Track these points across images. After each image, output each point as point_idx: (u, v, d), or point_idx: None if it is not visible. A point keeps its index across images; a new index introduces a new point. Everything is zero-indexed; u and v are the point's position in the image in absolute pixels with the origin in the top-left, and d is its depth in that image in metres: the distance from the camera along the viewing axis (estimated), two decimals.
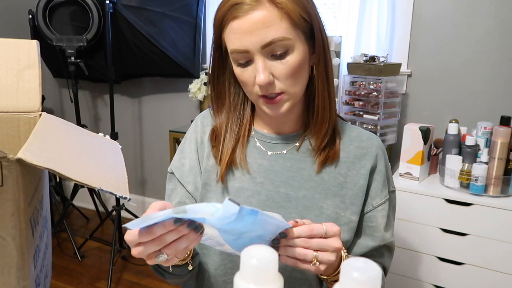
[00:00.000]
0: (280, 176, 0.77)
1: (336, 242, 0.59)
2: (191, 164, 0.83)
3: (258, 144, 0.80)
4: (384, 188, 0.80)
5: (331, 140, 0.77)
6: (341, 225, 0.75)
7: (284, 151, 0.78)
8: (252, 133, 0.81)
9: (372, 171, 0.79)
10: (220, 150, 0.79)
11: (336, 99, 0.87)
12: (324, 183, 0.76)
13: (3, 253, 0.47)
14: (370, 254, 0.79)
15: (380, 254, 0.81)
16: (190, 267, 0.70)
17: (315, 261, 0.58)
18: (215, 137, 0.81)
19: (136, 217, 2.56)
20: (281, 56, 0.67)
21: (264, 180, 0.77)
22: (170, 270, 0.68)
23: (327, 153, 0.76)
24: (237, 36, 0.66)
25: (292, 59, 0.68)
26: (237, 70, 0.71)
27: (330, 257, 0.59)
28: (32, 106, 0.61)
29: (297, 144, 0.79)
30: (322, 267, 0.59)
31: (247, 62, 0.69)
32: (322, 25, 0.72)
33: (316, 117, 0.76)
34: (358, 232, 0.80)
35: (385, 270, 0.83)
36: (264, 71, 0.67)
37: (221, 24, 0.69)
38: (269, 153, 0.79)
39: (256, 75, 0.68)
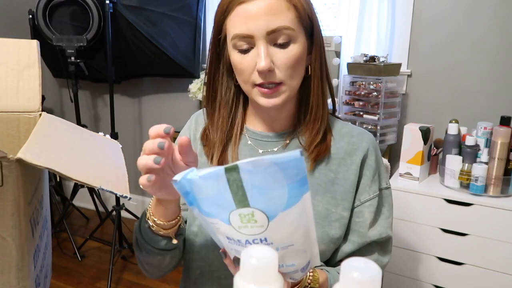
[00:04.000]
0: None
1: None
2: None
3: (249, 142, 0.80)
4: (373, 184, 0.79)
5: (322, 137, 0.78)
6: (333, 221, 0.75)
7: (275, 149, 0.79)
8: (244, 131, 0.81)
9: (362, 167, 0.79)
10: (211, 149, 0.79)
11: (336, 99, 0.87)
12: (314, 180, 0.76)
13: (3, 253, 0.47)
14: (359, 252, 0.78)
15: (369, 252, 0.79)
16: (175, 241, 0.68)
17: None
18: (206, 136, 0.81)
19: (136, 216, 2.56)
20: (283, 45, 0.68)
21: None
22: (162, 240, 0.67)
23: (319, 149, 0.76)
24: (243, 20, 0.67)
25: (294, 49, 0.69)
26: (236, 57, 0.71)
27: None
28: (32, 106, 0.61)
29: (287, 141, 0.79)
30: None
31: (248, 48, 0.69)
32: (320, 29, 0.75)
33: (310, 115, 0.76)
34: (348, 228, 0.79)
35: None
36: (266, 57, 0.67)
37: (226, 9, 0.70)
38: (260, 151, 0.79)
39: (258, 61, 0.68)
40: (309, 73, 0.75)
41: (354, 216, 0.79)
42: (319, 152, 0.76)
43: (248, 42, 0.68)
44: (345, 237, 0.79)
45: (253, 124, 0.82)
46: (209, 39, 0.78)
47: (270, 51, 0.68)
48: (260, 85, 0.70)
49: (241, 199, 0.46)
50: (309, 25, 0.72)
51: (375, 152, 0.81)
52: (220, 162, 0.78)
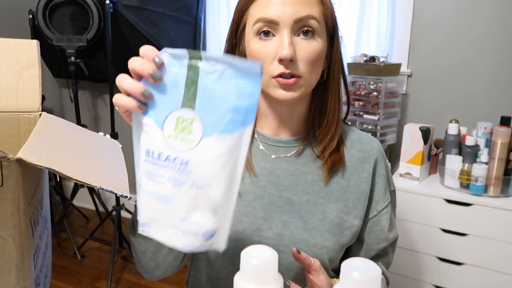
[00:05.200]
0: (283, 180, 0.76)
1: None
2: None
3: (261, 147, 0.78)
4: (386, 191, 0.80)
5: (336, 145, 0.76)
6: (344, 229, 0.75)
7: (288, 155, 0.77)
8: (255, 135, 0.79)
9: (374, 175, 0.79)
10: None
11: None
12: (328, 188, 0.76)
13: (3, 253, 0.47)
14: (375, 255, 0.80)
15: (385, 252, 0.82)
16: None
17: None
18: None
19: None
20: (307, 36, 0.67)
21: (267, 183, 0.75)
22: None
23: (333, 159, 0.75)
24: (271, 6, 0.66)
25: (317, 44, 0.68)
26: (256, 45, 0.68)
27: None
28: (32, 106, 0.61)
29: (300, 147, 0.77)
30: None
31: (270, 36, 0.67)
32: (339, 36, 0.75)
33: (326, 120, 0.75)
34: (362, 236, 0.80)
35: (388, 266, 0.85)
36: (290, 45, 0.65)
37: None
38: (273, 156, 0.77)
39: (280, 49, 0.65)
40: (324, 77, 0.74)
41: (372, 225, 0.79)
42: (334, 162, 0.75)
43: (272, 28, 0.67)
44: (360, 246, 0.80)
45: (263, 127, 0.79)
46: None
47: (294, 41, 0.67)
48: (278, 77, 0.68)
49: (190, 98, 0.44)
50: (331, 26, 0.71)
51: (383, 158, 0.81)
52: None
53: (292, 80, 0.67)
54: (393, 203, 0.83)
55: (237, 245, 0.74)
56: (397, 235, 0.84)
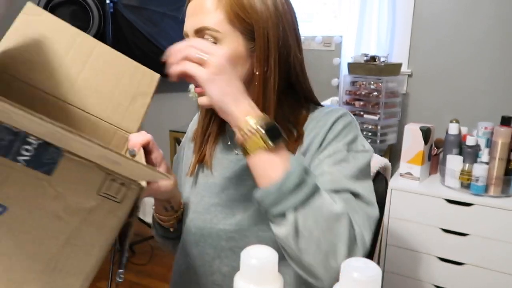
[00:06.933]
0: (243, 174, 0.76)
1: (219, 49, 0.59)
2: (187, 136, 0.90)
3: (229, 142, 0.81)
4: (337, 142, 0.69)
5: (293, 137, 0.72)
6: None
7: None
8: (226, 130, 0.82)
9: (322, 145, 0.70)
10: (196, 143, 0.82)
11: (336, 98, 0.84)
12: None
13: (84, 259, 0.48)
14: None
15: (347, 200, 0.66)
16: (172, 229, 0.82)
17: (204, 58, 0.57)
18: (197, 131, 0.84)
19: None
20: None
21: (233, 175, 0.78)
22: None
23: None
24: (185, 18, 0.69)
25: None
26: None
27: (218, 59, 0.57)
28: (131, 127, 0.70)
29: None
30: (214, 69, 0.57)
31: None
32: (275, 32, 0.67)
33: None
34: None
35: (355, 233, 0.61)
36: None
37: None
38: (236, 152, 0.79)
39: None
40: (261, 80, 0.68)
41: (314, 170, 0.68)
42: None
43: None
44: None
45: None
46: None
47: None
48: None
49: None
50: (246, 28, 0.66)
51: (345, 128, 0.70)
52: (200, 159, 0.80)
53: (198, 89, 0.68)
54: (353, 156, 0.69)
55: (204, 233, 0.76)
56: (350, 189, 0.66)
